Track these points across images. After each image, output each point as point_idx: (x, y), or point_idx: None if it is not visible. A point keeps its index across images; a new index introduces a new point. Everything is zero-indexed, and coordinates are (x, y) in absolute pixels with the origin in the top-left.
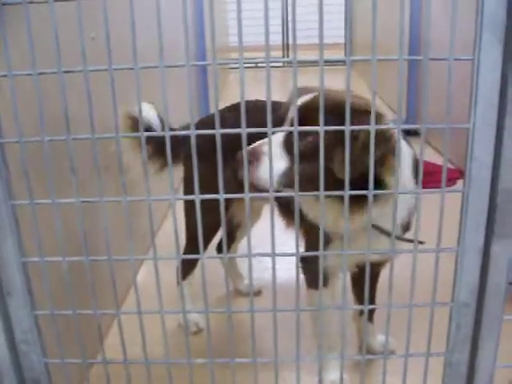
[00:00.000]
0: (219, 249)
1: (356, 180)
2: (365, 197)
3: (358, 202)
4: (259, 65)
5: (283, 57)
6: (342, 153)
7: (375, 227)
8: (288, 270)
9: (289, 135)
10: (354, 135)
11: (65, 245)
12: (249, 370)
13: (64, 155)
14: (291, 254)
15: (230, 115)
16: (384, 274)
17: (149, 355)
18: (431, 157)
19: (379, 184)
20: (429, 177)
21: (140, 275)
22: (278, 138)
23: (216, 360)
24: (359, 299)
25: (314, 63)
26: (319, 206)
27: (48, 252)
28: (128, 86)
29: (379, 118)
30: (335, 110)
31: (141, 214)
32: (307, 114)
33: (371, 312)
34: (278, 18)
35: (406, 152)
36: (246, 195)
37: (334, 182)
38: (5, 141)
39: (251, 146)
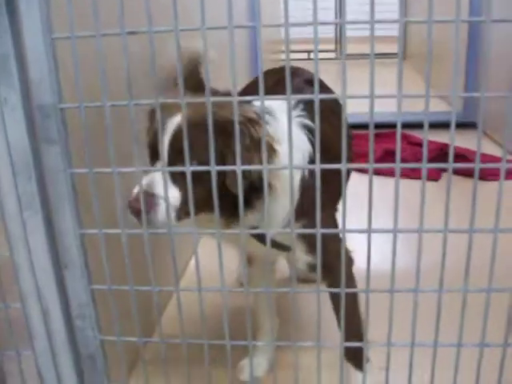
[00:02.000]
0: None
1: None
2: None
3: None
4: (311, 56)
5: (335, 50)
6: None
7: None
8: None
9: (170, 164)
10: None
11: (123, 218)
12: (311, 352)
13: (121, 123)
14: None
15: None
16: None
17: (204, 335)
18: (494, 152)
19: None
20: (488, 169)
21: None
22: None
23: (278, 343)
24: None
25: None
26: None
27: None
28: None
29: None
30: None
31: None
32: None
33: (356, 352)
34: (331, 10)
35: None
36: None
37: (224, 195)
38: (66, 106)
39: (139, 190)
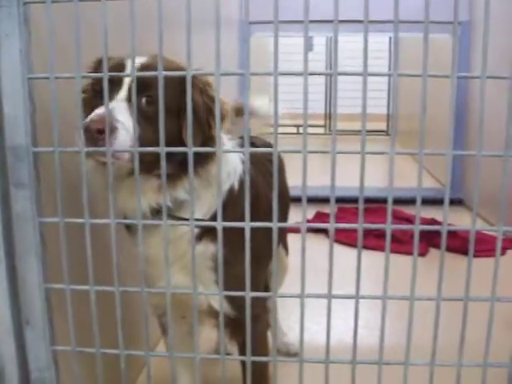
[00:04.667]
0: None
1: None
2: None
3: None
4: (300, 131)
5: (325, 126)
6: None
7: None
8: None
9: (129, 96)
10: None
11: (93, 272)
12: None
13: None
14: None
15: None
16: None
17: None
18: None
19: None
20: (477, 245)
21: None
22: (120, 99)
23: None
24: None
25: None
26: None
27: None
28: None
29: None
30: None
31: None
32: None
33: None
34: (321, 86)
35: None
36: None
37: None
38: (40, 150)
39: (97, 113)
